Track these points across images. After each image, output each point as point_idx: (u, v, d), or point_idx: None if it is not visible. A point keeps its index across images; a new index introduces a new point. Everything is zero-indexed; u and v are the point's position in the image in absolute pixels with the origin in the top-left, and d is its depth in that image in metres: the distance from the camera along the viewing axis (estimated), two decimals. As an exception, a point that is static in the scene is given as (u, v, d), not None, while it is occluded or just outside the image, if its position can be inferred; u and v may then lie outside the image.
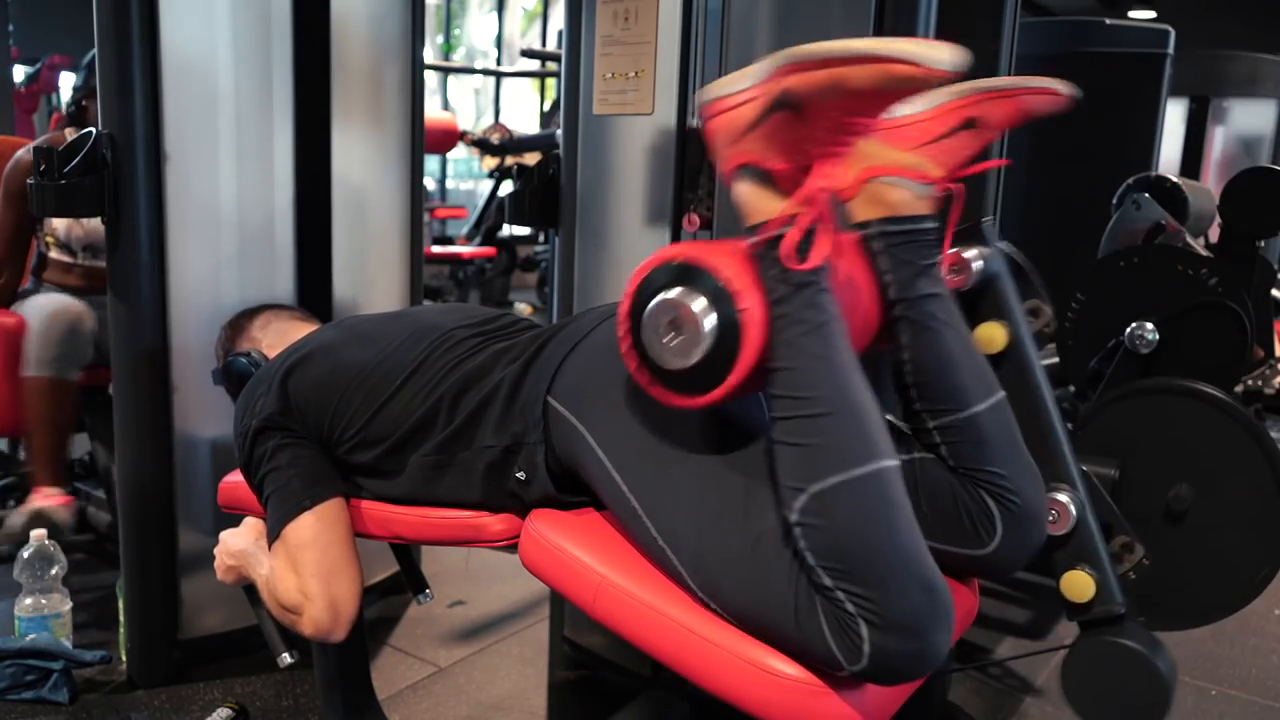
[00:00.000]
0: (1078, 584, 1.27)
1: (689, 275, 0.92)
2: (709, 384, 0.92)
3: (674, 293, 0.92)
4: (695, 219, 1.58)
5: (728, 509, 0.95)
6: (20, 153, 2.24)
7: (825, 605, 0.86)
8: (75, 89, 2.52)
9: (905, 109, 1.07)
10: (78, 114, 2.45)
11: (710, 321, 0.90)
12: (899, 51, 0.79)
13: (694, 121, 1.58)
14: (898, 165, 1.05)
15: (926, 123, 1.06)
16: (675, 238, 1.61)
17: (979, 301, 1.27)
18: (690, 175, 1.59)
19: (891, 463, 0.88)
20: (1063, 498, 1.26)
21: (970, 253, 1.23)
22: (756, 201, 0.92)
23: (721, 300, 0.90)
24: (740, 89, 0.91)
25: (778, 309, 0.90)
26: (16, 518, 2.16)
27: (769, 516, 0.91)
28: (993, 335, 1.25)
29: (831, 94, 0.84)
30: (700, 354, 0.91)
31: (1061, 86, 1.06)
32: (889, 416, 1.03)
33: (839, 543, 0.85)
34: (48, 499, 2.19)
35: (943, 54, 0.78)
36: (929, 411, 1.06)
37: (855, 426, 0.88)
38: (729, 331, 0.90)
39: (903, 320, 1.05)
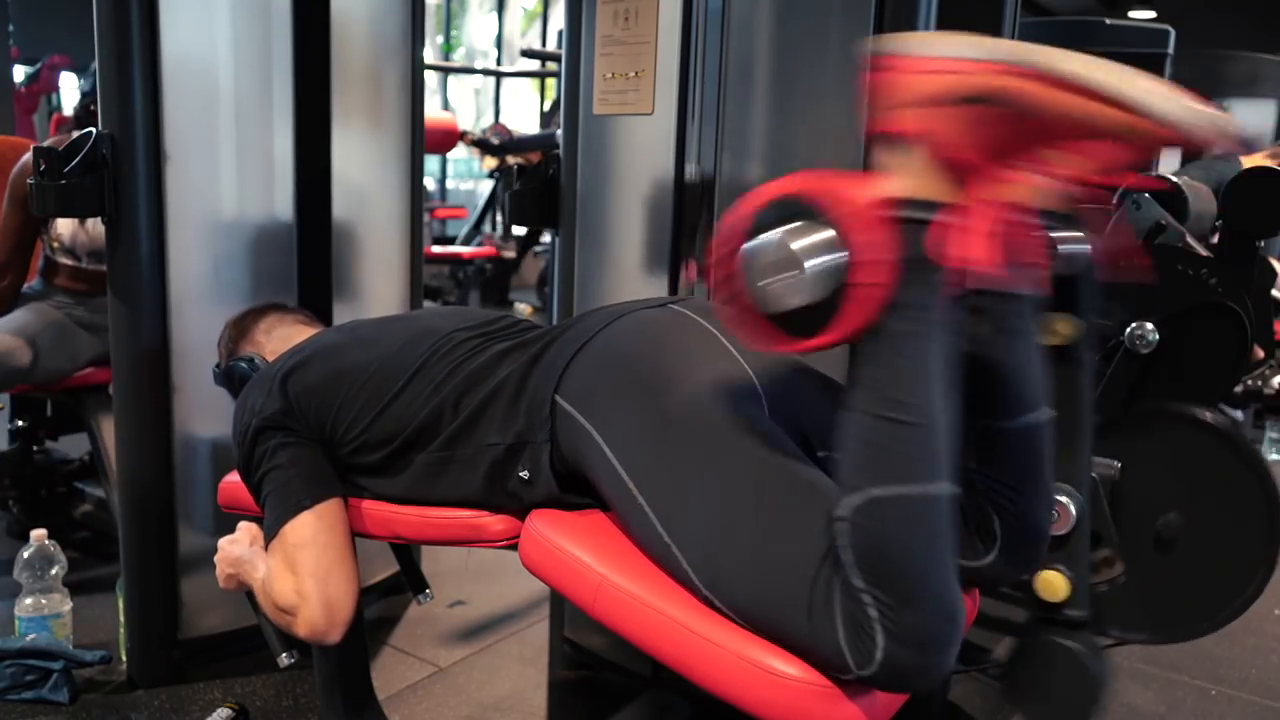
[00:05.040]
0: (1052, 584, 1.28)
1: (808, 219, 0.84)
2: (796, 333, 0.87)
3: (786, 236, 0.84)
4: (694, 267, 1.56)
5: (741, 505, 0.94)
6: (26, 156, 2.23)
7: (845, 606, 0.85)
8: (84, 94, 2.51)
9: None
10: (86, 119, 2.44)
11: (816, 281, 0.83)
12: (1173, 116, 0.73)
13: (691, 172, 1.55)
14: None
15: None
16: (675, 237, 1.61)
17: (1057, 290, 1.17)
18: (689, 228, 1.56)
19: (953, 491, 0.86)
20: (1064, 499, 1.26)
21: (1062, 234, 1.11)
22: (917, 177, 0.84)
23: (837, 265, 0.83)
24: (957, 55, 0.82)
25: (903, 295, 0.83)
26: None
27: (791, 514, 0.90)
28: (1059, 329, 1.20)
29: (1068, 123, 0.77)
30: (793, 305, 0.84)
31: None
32: None
33: (883, 550, 0.83)
34: None
35: (1206, 124, 0.73)
36: (972, 409, 1.00)
37: (934, 445, 0.84)
38: (832, 296, 0.84)
39: (982, 315, 0.99)
